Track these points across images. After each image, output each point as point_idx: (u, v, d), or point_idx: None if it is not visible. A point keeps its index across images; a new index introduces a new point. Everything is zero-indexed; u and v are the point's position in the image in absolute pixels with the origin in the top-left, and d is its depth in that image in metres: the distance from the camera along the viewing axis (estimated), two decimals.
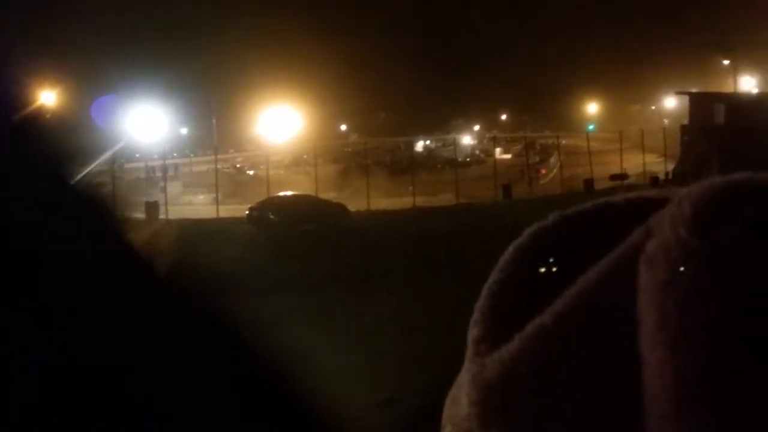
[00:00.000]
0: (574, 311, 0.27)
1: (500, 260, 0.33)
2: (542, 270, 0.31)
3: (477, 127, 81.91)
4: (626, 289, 0.26)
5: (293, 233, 24.12)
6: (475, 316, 0.32)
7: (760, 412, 0.23)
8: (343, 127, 78.96)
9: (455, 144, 54.94)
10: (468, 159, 58.71)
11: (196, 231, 21.46)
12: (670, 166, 35.02)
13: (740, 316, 0.23)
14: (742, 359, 0.22)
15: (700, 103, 34.37)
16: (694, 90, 42.73)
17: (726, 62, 66.51)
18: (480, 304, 0.32)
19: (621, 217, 0.29)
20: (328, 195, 34.03)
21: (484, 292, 0.32)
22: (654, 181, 31.05)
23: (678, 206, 0.26)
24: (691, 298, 0.23)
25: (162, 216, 29.28)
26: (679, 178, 30.78)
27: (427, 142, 72.70)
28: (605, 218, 0.30)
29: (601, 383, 0.26)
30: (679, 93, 44.82)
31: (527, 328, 0.28)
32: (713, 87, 52.90)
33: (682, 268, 0.24)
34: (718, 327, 0.23)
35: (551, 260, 0.31)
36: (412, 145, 48.23)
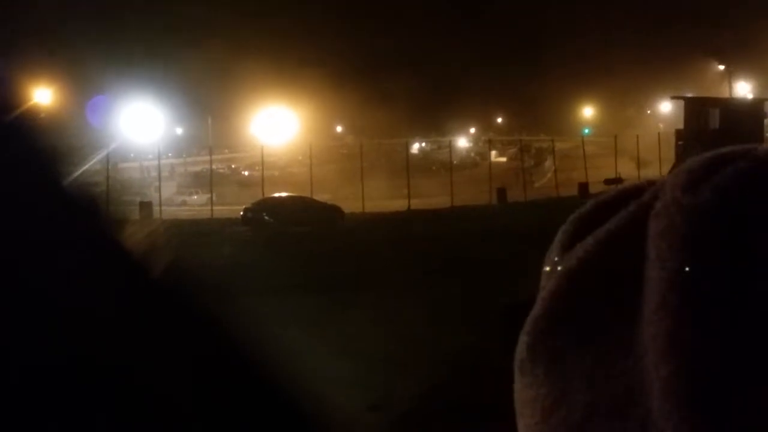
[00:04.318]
0: (597, 249, 0.34)
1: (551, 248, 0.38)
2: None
3: (473, 130, 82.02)
4: (640, 235, 0.32)
5: (287, 235, 24.08)
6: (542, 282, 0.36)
7: (747, 336, 0.29)
8: (339, 129, 79.00)
9: (450, 147, 54.90)
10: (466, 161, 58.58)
11: (191, 231, 21.40)
12: (665, 171, 35.05)
13: (718, 250, 0.29)
14: (722, 282, 0.29)
15: (695, 108, 34.41)
16: (689, 95, 42.76)
17: (721, 67, 66.71)
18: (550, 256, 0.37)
19: (641, 193, 0.35)
20: (323, 196, 33.97)
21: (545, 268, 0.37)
22: None
23: (676, 175, 0.33)
24: (681, 241, 0.30)
25: (156, 216, 29.21)
26: None
27: (423, 144, 72.73)
28: (629, 196, 0.35)
29: (618, 302, 0.32)
30: (675, 98, 44.75)
31: (558, 271, 0.35)
32: (708, 92, 52.99)
33: (675, 219, 0.31)
34: (702, 259, 0.30)
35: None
36: (407, 148, 48.23)
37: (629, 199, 0.35)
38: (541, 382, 0.34)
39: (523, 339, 0.35)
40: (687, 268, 0.30)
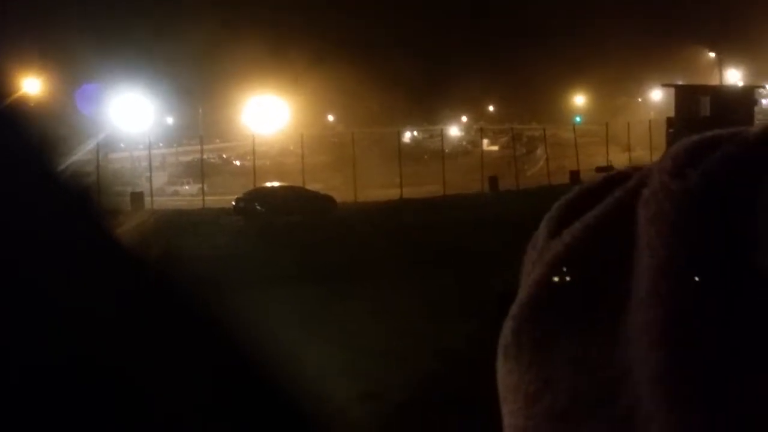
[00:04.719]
0: (585, 235, 0.34)
1: (535, 236, 0.38)
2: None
3: (464, 119, 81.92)
4: (628, 221, 0.32)
5: (280, 224, 24.04)
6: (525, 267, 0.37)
7: (737, 323, 0.29)
8: (330, 118, 78.75)
9: (442, 135, 54.81)
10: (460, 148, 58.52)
11: (182, 222, 21.36)
12: (656, 158, 35.14)
13: (707, 236, 0.30)
14: (711, 268, 0.29)
15: (686, 96, 34.50)
16: (680, 83, 42.86)
17: (712, 55, 66.91)
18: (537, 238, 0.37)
19: (627, 179, 0.36)
20: (315, 186, 33.92)
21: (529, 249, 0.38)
22: None
23: (663, 160, 0.33)
24: (670, 227, 0.30)
25: (148, 206, 29.10)
26: None
27: (415, 133, 72.61)
28: (616, 183, 0.36)
29: (604, 290, 0.33)
30: (665, 85, 44.87)
31: (544, 257, 0.35)
32: (699, 80, 53.11)
33: (664, 205, 0.31)
34: (691, 246, 0.30)
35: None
36: (399, 136, 48.11)
37: (615, 186, 0.35)
38: (525, 369, 0.34)
39: (508, 324, 0.35)
40: (676, 256, 0.30)
